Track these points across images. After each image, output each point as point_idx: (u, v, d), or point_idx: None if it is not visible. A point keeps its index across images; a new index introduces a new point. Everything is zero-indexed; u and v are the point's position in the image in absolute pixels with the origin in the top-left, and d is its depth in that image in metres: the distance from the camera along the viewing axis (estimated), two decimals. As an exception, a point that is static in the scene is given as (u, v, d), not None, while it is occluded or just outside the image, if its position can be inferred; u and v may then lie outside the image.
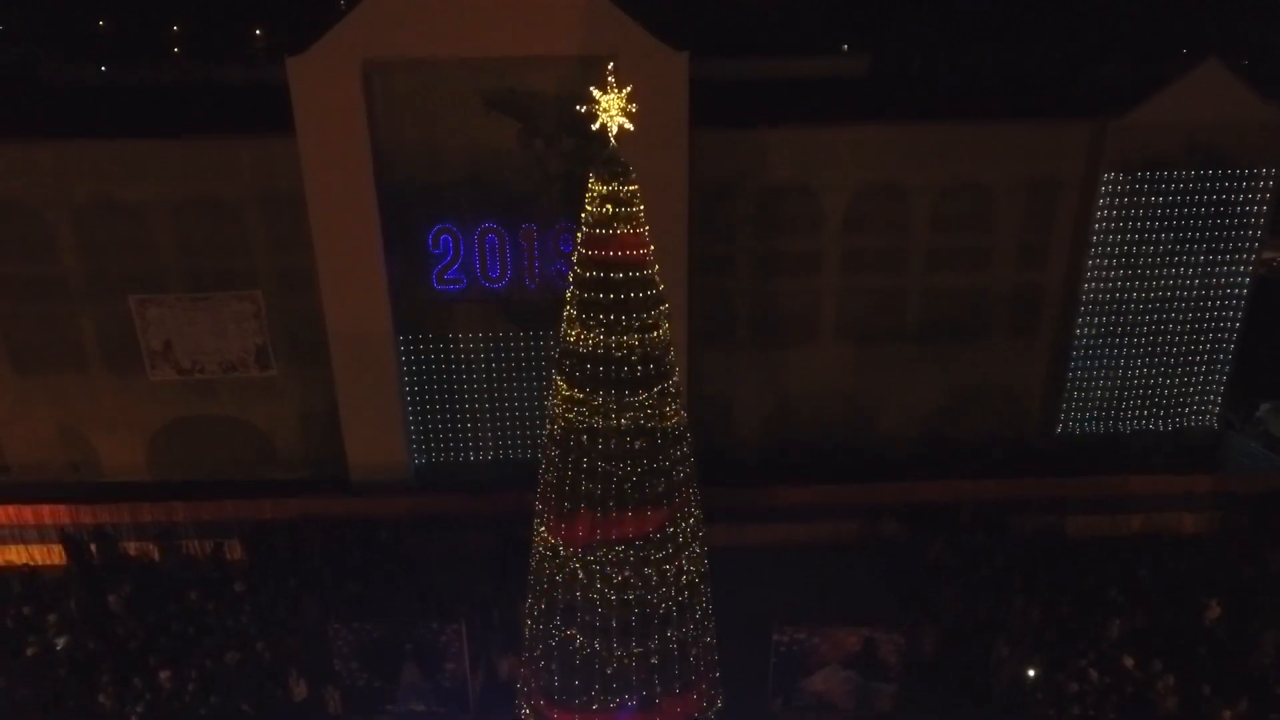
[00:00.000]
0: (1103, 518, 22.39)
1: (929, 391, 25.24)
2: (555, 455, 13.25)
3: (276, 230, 22.39)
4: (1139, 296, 24.32)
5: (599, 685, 13.34)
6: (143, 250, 22.39)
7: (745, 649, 15.95)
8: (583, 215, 12.41)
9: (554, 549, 13.47)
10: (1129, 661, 16.23)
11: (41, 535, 21.94)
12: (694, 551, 13.79)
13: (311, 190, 21.10)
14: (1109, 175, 22.95)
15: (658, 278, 12.80)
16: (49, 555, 21.92)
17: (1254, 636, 17.38)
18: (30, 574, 20.46)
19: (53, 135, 21.60)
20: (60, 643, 17.57)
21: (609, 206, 12.22)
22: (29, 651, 17.36)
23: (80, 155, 21.45)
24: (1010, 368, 25.15)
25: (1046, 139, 22.85)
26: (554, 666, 13.60)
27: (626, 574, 13.10)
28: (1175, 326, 24.73)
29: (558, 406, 13.15)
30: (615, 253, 12.34)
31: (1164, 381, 25.36)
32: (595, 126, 12.21)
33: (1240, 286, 24.34)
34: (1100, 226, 23.48)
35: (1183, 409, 25.77)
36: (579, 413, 12.85)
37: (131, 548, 21.57)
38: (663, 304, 12.90)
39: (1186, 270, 24.12)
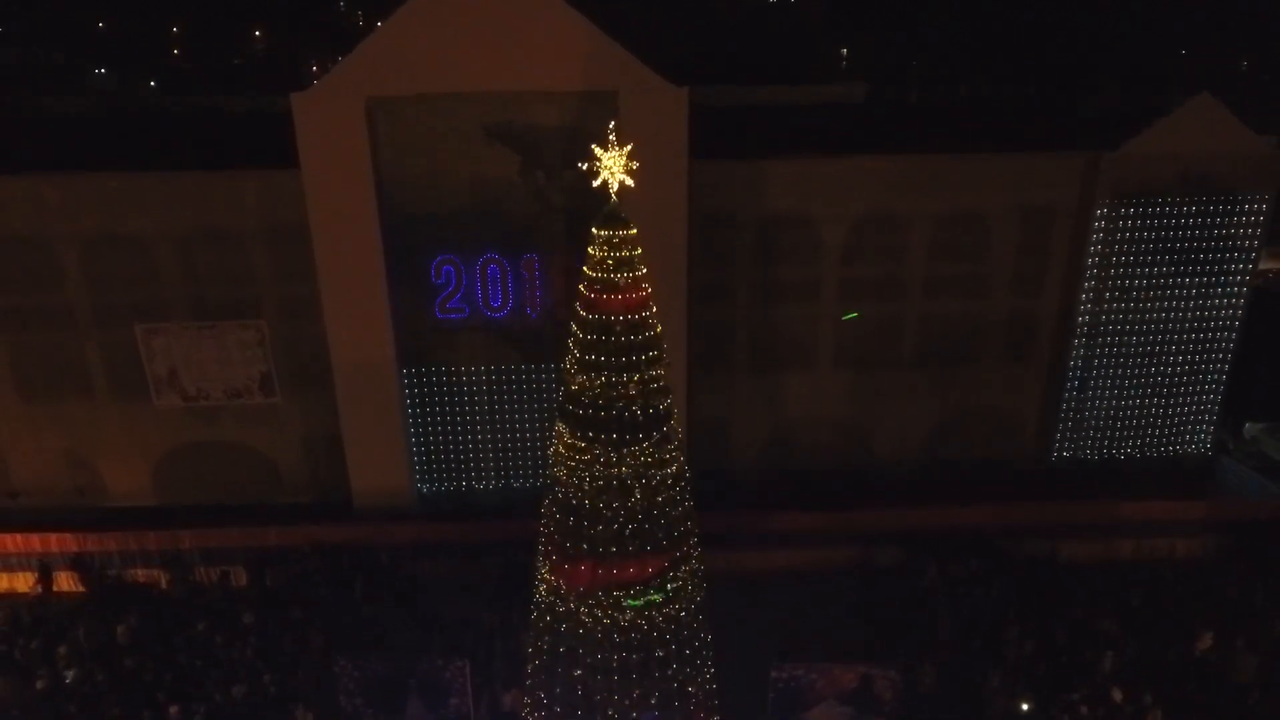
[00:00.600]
0: (1096, 544, 22.66)
1: (925, 417, 25.54)
2: (557, 500, 13.51)
3: (281, 261, 22.69)
4: (1133, 324, 24.64)
5: (600, 725, 13.57)
6: (148, 280, 22.70)
7: (744, 682, 16.18)
8: (584, 266, 12.69)
9: (556, 591, 13.73)
10: (1118, 695, 16.48)
11: (49, 563, 22.21)
12: (694, 593, 14.03)
13: (316, 224, 21.40)
14: (1103, 205, 23.27)
15: (658, 326, 13.06)
16: (56, 582, 22.23)
17: (1235, 658, 17.67)
18: (38, 603, 20.73)
19: (59, 169, 21.89)
20: (70, 675, 17.79)
21: (610, 258, 12.51)
22: (39, 684, 17.58)
23: (86, 189, 21.75)
24: (1006, 394, 25.45)
25: (1042, 170, 23.18)
26: (557, 707, 13.85)
27: (628, 617, 13.36)
28: (1169, 353, 25.04)
29: (559, 452, 13.41)
30: (615, 303, 12.62)
31: (1158, 407, 25.67)
32: (596, 183, 12.48)
33: (1234, 314, 24.66)
34: (1095, 255, 23.80)
35: (1176, 434, 26.07)
36: (580, 459, 13.11)
37: (139, 575, 21.81)
38: (663, 353, 13.16)
39: (1180, 298, 24.43)
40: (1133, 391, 25.37)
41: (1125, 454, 26.11)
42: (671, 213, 21.47)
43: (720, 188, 22.70)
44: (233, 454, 24.79)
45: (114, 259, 22.39)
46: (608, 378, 12.70)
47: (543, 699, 14.04)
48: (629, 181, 12.51)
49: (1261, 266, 25.41)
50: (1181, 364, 25.14)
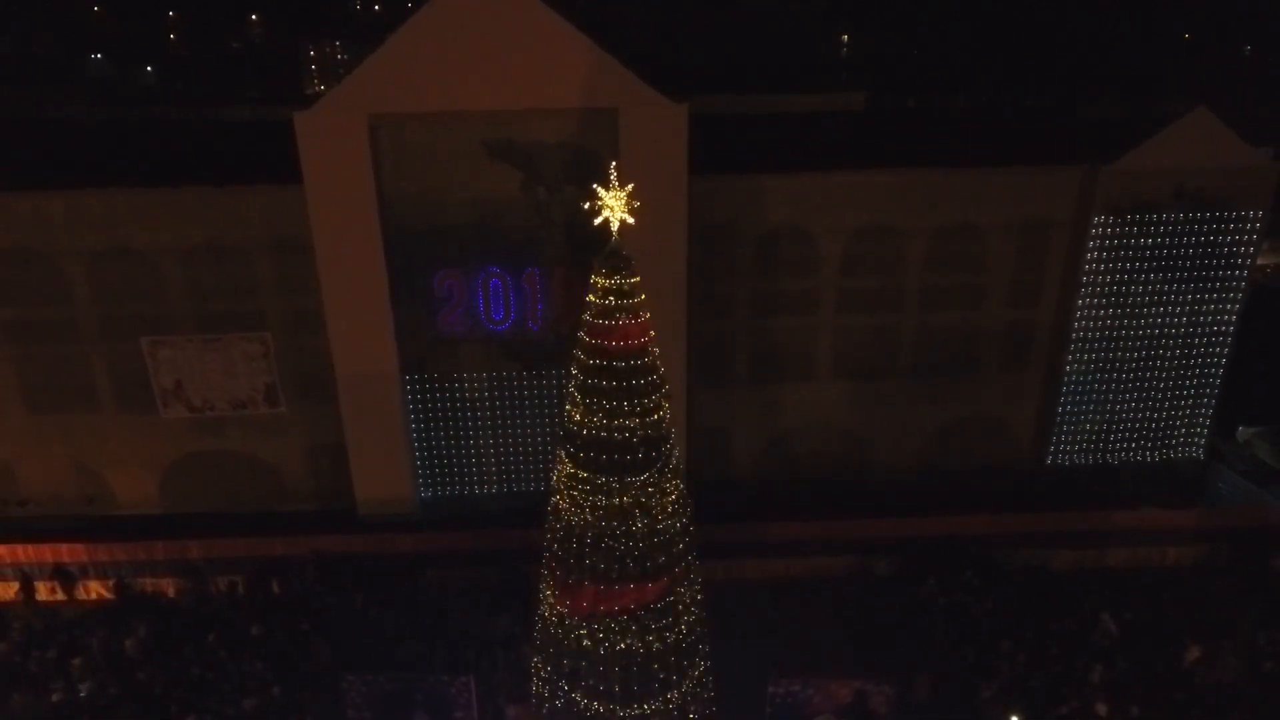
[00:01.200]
0: (1088, 552, 23.09)
1: (923, 425, 25.87)
2: (560, 529, 13.85)
3: (285, 274, 22.91)
4: (1128, 334, 24.90)
5: (603, 744, 13.99)
6: (154, 294, 22.93)
7: (742, 694, 16.56)
8: (585, 307, 12.93)
9: (559, 615, 14.12)
10: (1103, 710, 16.91)
11: (59, 573, 22.59)
12: (693, 617, 14.42)
13: (319, 239, 21.61)
14: (1099, 218, 23.46)
15: (658, 362, 13.34)
16: (75, 591, 22.66)
17: (1220, 661, 18.12)
18: (50, 613, 21.15)
19: (64, 185, 22.05)
20: (84, 688, 18.22)
21: (611, 299, 12.76)
22: (54, 698, 18.01)
23: (92, 205, 21.92)
24: (1002, 402, 25.78)
25: (1038, 184, 23.37)
26: (559, 725, 14.27)
27: (629, 641, 13.75)
28: (1163, 362, 25.34)
29: (561, 481, 13.73)
30: (617, 342, 12.89)
31: (1151, 415, 26.00)
32: (598, 222, 12.70)
33: (1227, 324, 24.92)
34: (1090, 267, 24.02)
35: (1170, 441, 26.43)
36: (582, 491, 13.44)
37: (148, 585, 22.22)
38: (663, 389, 13.43)
39: (1174, 309, 24.69)
40: (1127, 399, 25.69)
41: (1119, 460, 26.48)
42: (672, 227, 21.67)
43: (720, 202, 22.89)
44: (238, 463, 25.13)
45: (120, 273, 22.61)
46: (609, 413, 13.01)
47: (545, 715, 14.46)
48: (630, 220, 12.71)
49: (1260, 262, 25.54)
50: (1175, 372, 25.46)
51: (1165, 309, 24.63)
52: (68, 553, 22.67)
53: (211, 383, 24.12)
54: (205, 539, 22.74)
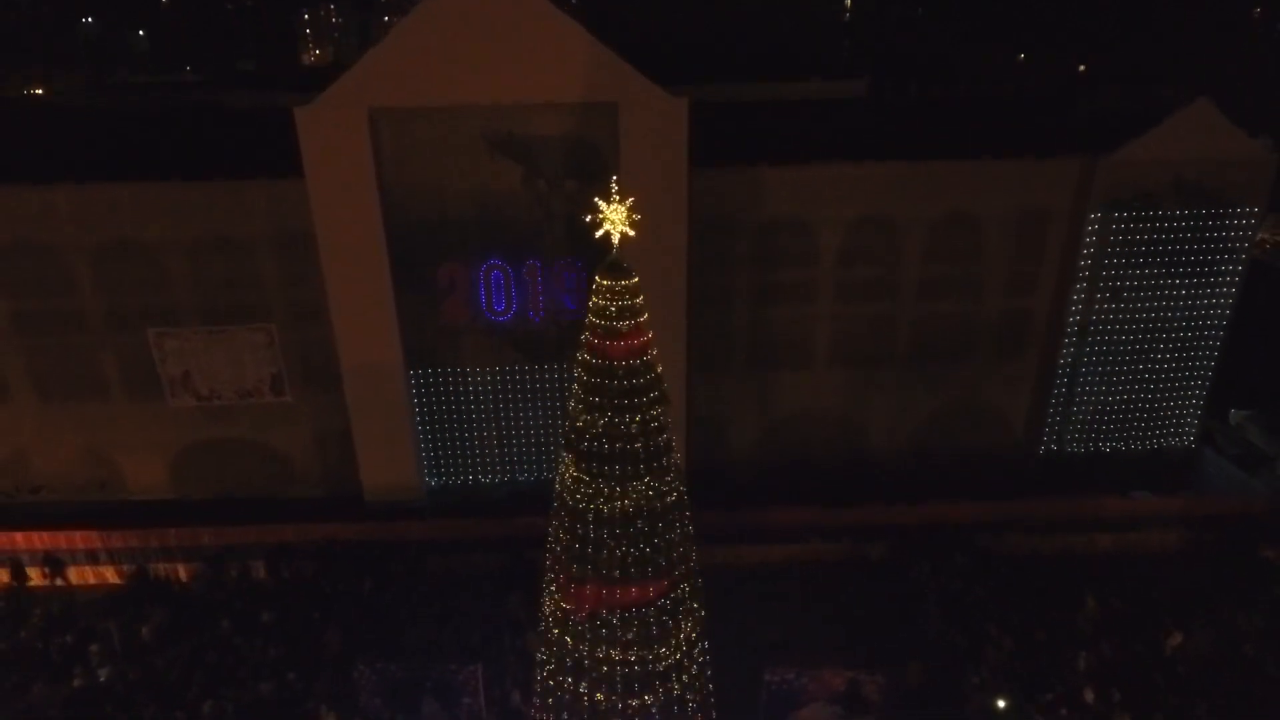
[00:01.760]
0: (1077, 538, 23.64)
1: (918, 413, 26.28)
2: (563, 528, 14.30)
3: (289, 267, 23.14)
4: (1123, 324, 25.18)
5: (605, 733, 14.61)
6: (159, 287, 23.19)
7: (738, 681, 17.16)
8: (588, 315, 13.23)
9: (563, 611, 14.64)
10: (1089, 696, 17.56)
11: (75, 559, 23.21)
12: (693, 612, 14.94)
13: (322, 233, 21.81)
14: (1097, 209, 23.60)
15: (659, 368, 13.68)
16: (82, 576, 23.28)
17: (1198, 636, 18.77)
18: (67, 597, 21.77)
19: (68, 178, 22.18)
20: (103, 674, 18.85)
21: (612, 306, 13.06)
22: (75, 683, 18.64)
23: (96, 198, 22.08)
24: (997, 390, 26.15)
25: (1037, 175, 23.48)
26: (564, 715, 14.88)
27: (630, 636, 14.28)
28: (1157, 352, 25.65)
29: (565, 484, 14.15)
30: (619, 350, 13.21)
31: (1144, 403, 26.39)
32: (599, 234, 12.94)
33: (1221, 315, 25.19)
34: (1087, 258, 24.22)
35: (1161, 429, 26.85)
36: (585, 492, 13.86)
37: (161, 571, 22.80)
38: (663, 393, 13.78)
39: (1170, 299, 24.94)
40: (1120, 388, 26.06)
41: (1111, 447, 26.94)
42: (672, 220, 21.86)
43: (719, 194, 23.03)
44: (246, 450, 25.60)
45: (125, 266, 22.85)
46: (611, 418, 13.38)
47: (550, 706, 15.07)
48: (631, 233, 12.95)
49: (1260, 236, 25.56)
50: (1169, 361, 25.79)
51: (1161, 299, 24.89)
52: (81, 539, 23.23)
53: (218, 372, 24.49)
54: (217, 526, 23.27)
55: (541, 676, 15.33)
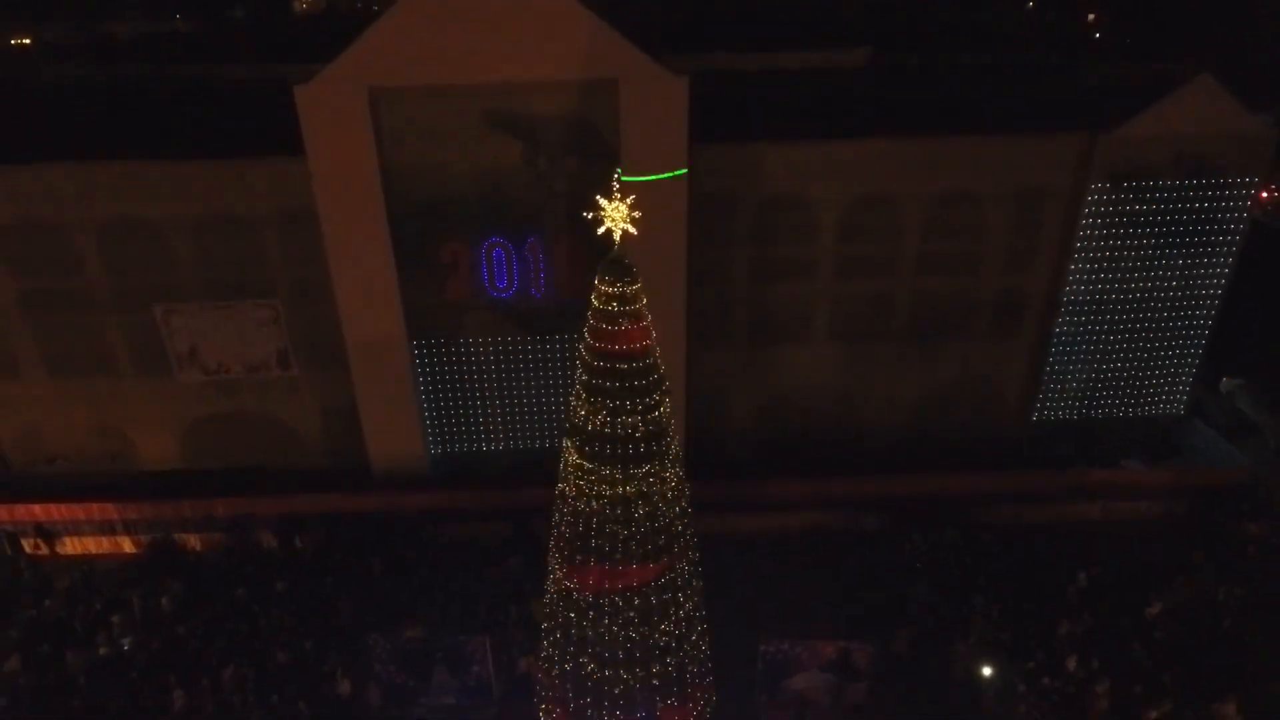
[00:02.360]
0: (1064, 509, 24.38)
1: (914, 386, 26.73)
2: (566, 511, 14.89)
3: (292, 244, 23.30)
4: (1118, 297, 25.45)
5: (607, 703, 15.46)
6: (165, 264, 23.38)
7: (735, 650, 17.97)
8: (589, 312, 13.56)
9: (567, 590, 15.33)
10: (1071, 663, 18.42)
11: (93, 530, 23.99)
12: (692, 589, 15.64)
13: (324, 211, 21.94)
14: (1096, 185, 23.66)
15: (659, 362, 14.06)
16: (100, 546, 24.11)
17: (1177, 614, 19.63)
18: (88, 568, 22.59)
19: (70, 156, 22.21)
20: (126, 643, 19.71)
21: (614, 304, 13.39)
22: (101, 650, 19.51)
23: (99, 177, 22.15)
24: (992, 363, 26.54)
25: (1037, 151, 23.46)
26: (568, 686, 15.70)
27: (632, 614, 14.99)
28: (1150, 324, 25.96)
29: (568, 469, 14.67)
30: (621, 345, 13.58)
31: (1136, 374, 26.82)
32: (601, 231, 13.18)
33: (1216, 288, 25.44)
34: (1085, 233, 24.37)
35: (1152, 398, 27.34)
36: (588, 480, 14.40)
37: (176, 542, 23.59)
38: (664, 386, 14.19)
39: (1165, 273, 25.15)
40: (1113, 359, 26.45)
41: (1102, 415, 27.46)
42: (672, 198, 21.96)
43: (719, 170, 23.05)
44: (255, 423, 26.12)
45: (130, 244, 23.01)
46: (612, 410, 13.82)
47: (555, 680, 15.88)
48: (633, 231, 13.18)
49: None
50: (1162, 334, 26.12)
51: (1156, 273, 25.10)
52: (98, 511, 23.95)
53: (225, 347, 24.84)
54: (230, 498, 23.96)
55: (546, 652, 16.12)
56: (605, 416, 13.89)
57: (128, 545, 24.10)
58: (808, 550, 23.36)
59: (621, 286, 13.30)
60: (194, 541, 23.74)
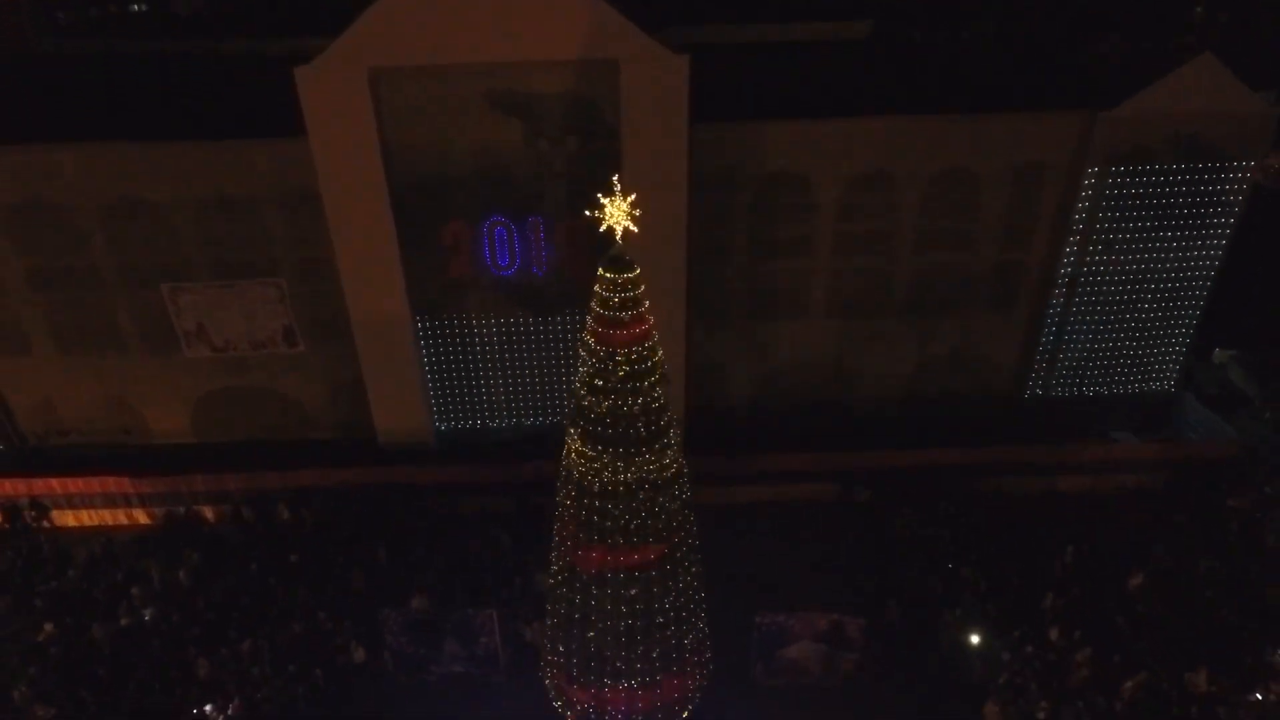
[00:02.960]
0: (1054, 481, 25.03)
1: (910, 361, 27.14)
2: (570, 495, 15.46)
3: (296, 224, 23.50)
4: (1113, 274, 25.69)
5: (609, 674, 16.25)
6: (170, 244, 23.61)
7: (732, 622, 18.73)
8: (591, 303, 13.92)
9: (571, 569, 15.99)
10: (1054, 633, 19.20)
11: (108, 502, 24.69)
12: (690, 568, 16.30)
13: (326, 191, 22.11)
14: (1095, 165, 23.72)
15: (659, 353, 14.47)
16: (115, 517, 24.85)
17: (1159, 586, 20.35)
18: (106, 540, 23.33)
19: (73, 136, 22.28)
20: (148, 614, 20.51)
21: (616, 300, 13.75)
22: (123, 621, 20.32)
23: (102, 157, 22.26)
24: (986, 339, 26.90)
25: (1036, 131, 23.47)
26: (572, 660, 16.48)
27: (633, 590, 15.67)
28: (1144, 301, 26.25)
29: (571, 455, 15.20)
30: (622, 338, 13.98)
31: (1128, 349, 27.20)
32: (602, 229, 13.47)
33: (1210, 266, 25.66)
34: (1082, 212, 24.50)
35: (1144, 373, 27.77)
36: (590, 465, 14.93)
37: (191, 515, 24.30)
38: (664, 374, 14.62)
39: (1160, 250, 25.36)
40: (1106, 336, 26.81)
41: (1094, 391, 27.93)
42: (672, 177, 22.09)
43: (719, 148, 23.12)
44: (263, 398, 26.62)
45: (135, 224, 23.20)
46: (614, 400, 14.29)
47: (560, 656, 16.63)
48: (634, 228, 13.46)
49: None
50: (1155, 311, 26.42)
51: (1151, 250, 25.30)
52: (115, 484, 24.63)
53: (231, 325, 25.20)
54: (242, 472, 24.59)
55: (551, 628, 16.86)
56: (607, 405, 14.35)
57: (143, 518, 24.85)
58: (804, 524, 24.07)
59: (622, 283, 13.66)
60: (209, 514, 24.48)
